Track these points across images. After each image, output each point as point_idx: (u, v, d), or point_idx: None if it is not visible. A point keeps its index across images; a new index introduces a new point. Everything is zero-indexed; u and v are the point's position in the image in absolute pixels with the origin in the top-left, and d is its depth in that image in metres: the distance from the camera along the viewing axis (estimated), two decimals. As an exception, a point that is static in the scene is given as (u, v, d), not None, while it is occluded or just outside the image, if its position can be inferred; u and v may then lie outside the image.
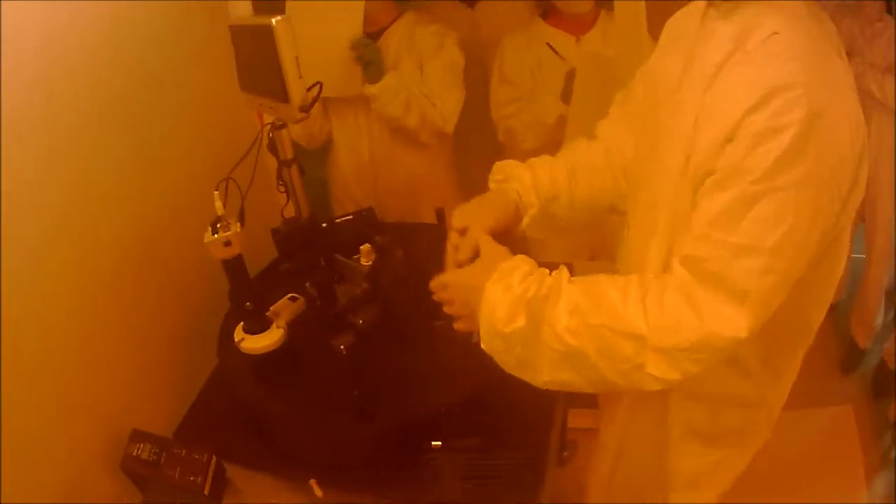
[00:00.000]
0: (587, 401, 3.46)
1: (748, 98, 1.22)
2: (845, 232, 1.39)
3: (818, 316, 1.53)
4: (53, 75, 1.71)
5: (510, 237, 1.68)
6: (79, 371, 1.82)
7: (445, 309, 1.53)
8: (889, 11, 3.55)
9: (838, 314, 4.23)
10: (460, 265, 1.56)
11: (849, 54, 3.46)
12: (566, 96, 2.78)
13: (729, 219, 1.25)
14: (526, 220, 1.74)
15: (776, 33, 1.26)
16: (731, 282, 1.25)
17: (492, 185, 1.80)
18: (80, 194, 1.83)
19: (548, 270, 1.41)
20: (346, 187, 3.15)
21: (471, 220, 1.63)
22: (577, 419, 2.95)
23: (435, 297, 1.55)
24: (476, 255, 1.56)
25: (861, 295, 4.01)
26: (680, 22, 1.58)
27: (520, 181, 1.75)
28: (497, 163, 1.81)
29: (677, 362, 1.28)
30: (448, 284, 1.53)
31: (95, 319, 1.89)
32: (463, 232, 1.62)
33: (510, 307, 1.35)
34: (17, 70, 1.59)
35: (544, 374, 1.38)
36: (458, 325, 1.53)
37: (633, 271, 1.46)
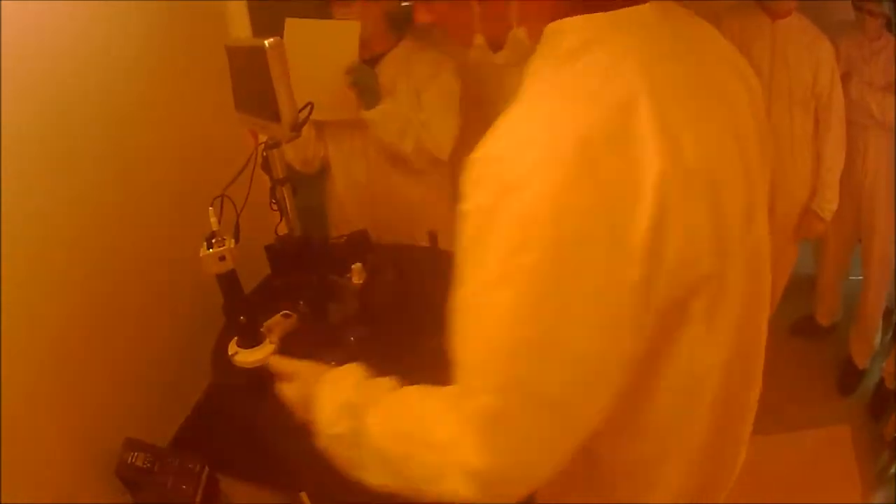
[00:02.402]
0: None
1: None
2: (685, 308, 1.09)
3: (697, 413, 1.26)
4: (50, 91, 1.77)
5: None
6: (76, 380, 1.86)
7: (282, 391, 1.56)
8: (890, 29, 3.59)
9: (835, 336, 4.29)
10: None
11: (847, 74, 3.50)
12: None
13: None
14: None
15: (523, 85, 1.10)
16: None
17: None
18: (79, 209, 1.88)
19: (379, 380, 1.36)
20: (343, 212, 3.18)
21: None
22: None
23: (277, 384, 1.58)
24: None
25: (861, 315, 4.03)
26: None
27: None
28: None
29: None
30: (293, 374, 1.56)
31: (94, 331, 1.93)
32: None
33: (334, 411, 1.32)
34: (14, 88, 1.64)
35: (372, 477, 1.28)
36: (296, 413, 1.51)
37: None
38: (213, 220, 1.85)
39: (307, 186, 2.86)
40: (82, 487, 1.87)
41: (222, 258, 1.84)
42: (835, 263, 4.12)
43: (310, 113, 1.81)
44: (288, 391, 1.54)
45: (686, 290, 1.06)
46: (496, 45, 1.21)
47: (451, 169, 3.25)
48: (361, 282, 2.09)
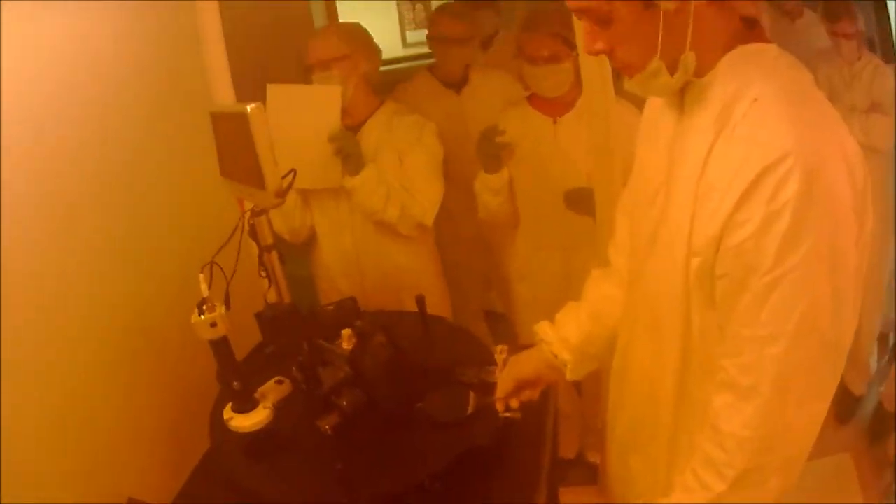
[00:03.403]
0: (580, 478, 3.46)
1: (739, 185, 1.25)
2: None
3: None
4: (43, 160, 1.82)
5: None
6: (78, 444, 1.89)
7: None
8: (873, 49, 3.61)
9: None
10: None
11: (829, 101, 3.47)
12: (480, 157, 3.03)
13: (748, 314, 1.30)
14: (568, 374, 1.93)
15: (755, 100, 1.29)
16: (760, 376, 1.31)
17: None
18: (78, 277, 1.94)
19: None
20: (332, 280, 3.19)
21: (512, 370, 1.96)
22: (570, 496, 2.93)
23: None
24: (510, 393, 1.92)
25: (853, 342, 4.00)
26: (656, 115, 1.59)
27: (550, 343, 1.95)
28: (534, 327, 2.02)
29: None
30: None
31: (95, 397, 1.97)
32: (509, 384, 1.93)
33: None
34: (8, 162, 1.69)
35: None
36: None
37: (637, 366, 1.71)
38: (204, 286, 1.87)
39: (295, 256, 2.88)
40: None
41: (213, 324, 1.87)
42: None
43: (293, 179, 1.84)
44: None
45: (866, 248, 1.34)
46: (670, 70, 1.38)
47: (436, 232, 3.30)
48: (351, 347, 2.10)
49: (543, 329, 1.98)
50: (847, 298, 1.29)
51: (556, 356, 1.92)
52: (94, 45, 2.02)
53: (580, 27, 1.51)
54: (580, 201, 2.92)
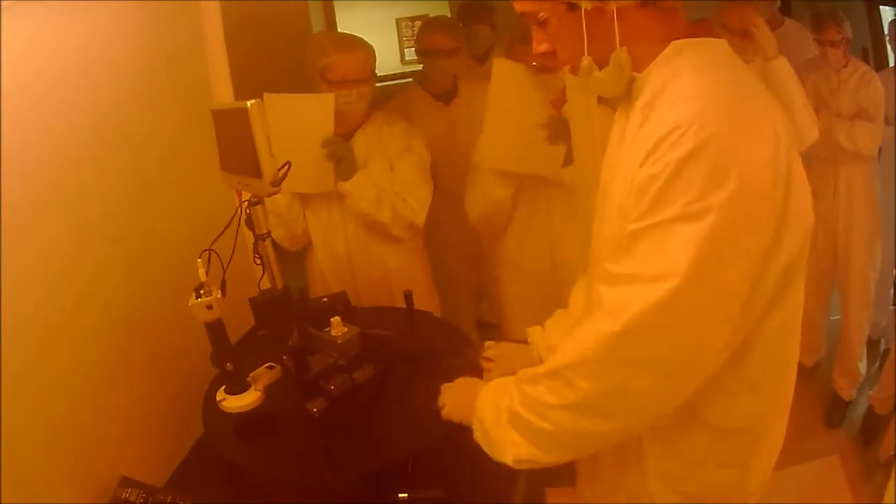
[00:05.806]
0: (568, 480, 3.53)
1: (640, 156, 1.33)
2: (798, 260, 1.42)
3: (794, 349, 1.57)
4: (40, 154, 1.88)
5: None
6: (73, 423, 1.93)
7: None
8: (867, 58, 3.67)
9: (819, 374, 4.28)
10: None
11: (816, 109, 3.50)
12: None
13: (617, 257, 1.38)
14: None
15: (676, 77, 1.36)
16: (607, 304, 1.38)
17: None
18: (79, 260, 2.00)
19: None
20: (325, 283, 3.25)
21: (500, 363, 2.07)
22: (556, 496, 3.00)
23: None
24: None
25: (842, 347, 4.06)
26: (617, 115, 1.65)
27: (538, 347, 2.09)
28: (528, 329, 2.17)
29: (566, 379, 1.44)
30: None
31: (92, 376, 2.02)
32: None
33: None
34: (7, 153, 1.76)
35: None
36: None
37: None
38: (202, 271, 1.98)
39: (291, 265, 2.97)
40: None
41: (209, 307, 1.98)
42: (814, 301, 4.03)
43: (287, 170, 1.93)
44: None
45: (798, 248, 1.38)
46: (600, 66, 1.45)
47: (427, 242, 3.41)
48: (340, 334, 2.19)
49: (534, 333, 2.11)
50: (741, 267, 1.32)
51: (541, 359, 2.02)
52: (98, 44, 2.10)
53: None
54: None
